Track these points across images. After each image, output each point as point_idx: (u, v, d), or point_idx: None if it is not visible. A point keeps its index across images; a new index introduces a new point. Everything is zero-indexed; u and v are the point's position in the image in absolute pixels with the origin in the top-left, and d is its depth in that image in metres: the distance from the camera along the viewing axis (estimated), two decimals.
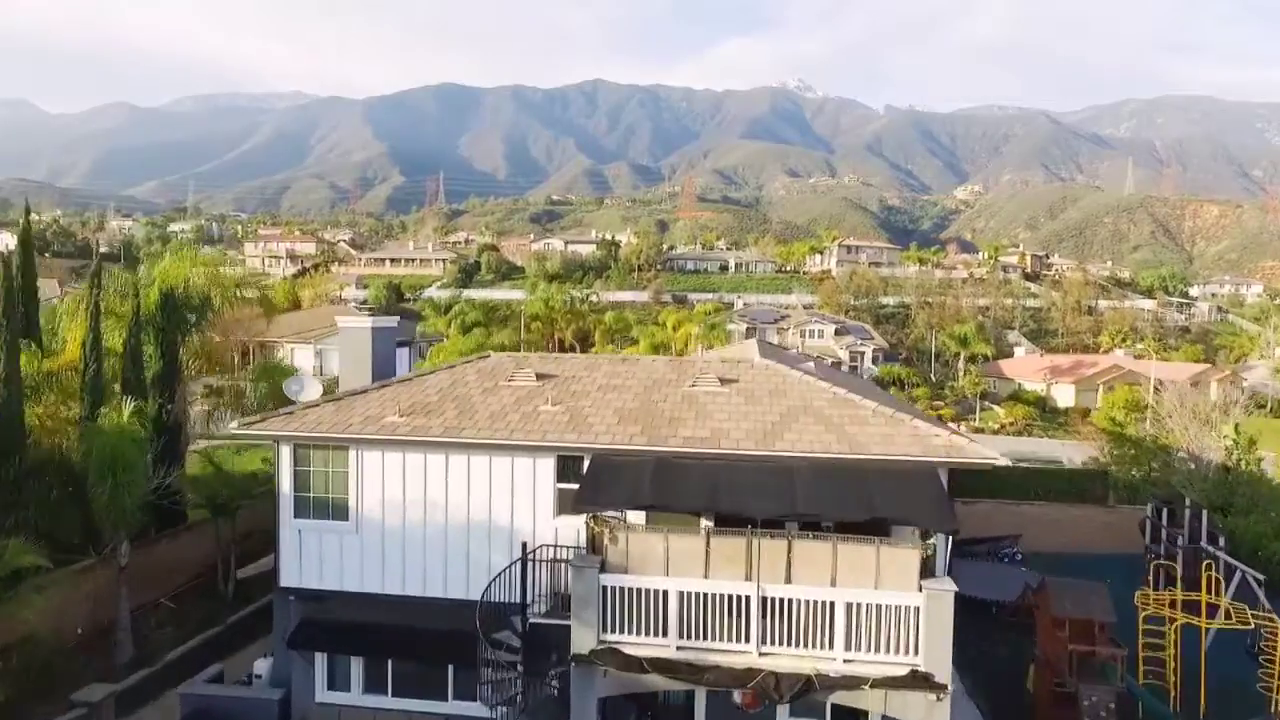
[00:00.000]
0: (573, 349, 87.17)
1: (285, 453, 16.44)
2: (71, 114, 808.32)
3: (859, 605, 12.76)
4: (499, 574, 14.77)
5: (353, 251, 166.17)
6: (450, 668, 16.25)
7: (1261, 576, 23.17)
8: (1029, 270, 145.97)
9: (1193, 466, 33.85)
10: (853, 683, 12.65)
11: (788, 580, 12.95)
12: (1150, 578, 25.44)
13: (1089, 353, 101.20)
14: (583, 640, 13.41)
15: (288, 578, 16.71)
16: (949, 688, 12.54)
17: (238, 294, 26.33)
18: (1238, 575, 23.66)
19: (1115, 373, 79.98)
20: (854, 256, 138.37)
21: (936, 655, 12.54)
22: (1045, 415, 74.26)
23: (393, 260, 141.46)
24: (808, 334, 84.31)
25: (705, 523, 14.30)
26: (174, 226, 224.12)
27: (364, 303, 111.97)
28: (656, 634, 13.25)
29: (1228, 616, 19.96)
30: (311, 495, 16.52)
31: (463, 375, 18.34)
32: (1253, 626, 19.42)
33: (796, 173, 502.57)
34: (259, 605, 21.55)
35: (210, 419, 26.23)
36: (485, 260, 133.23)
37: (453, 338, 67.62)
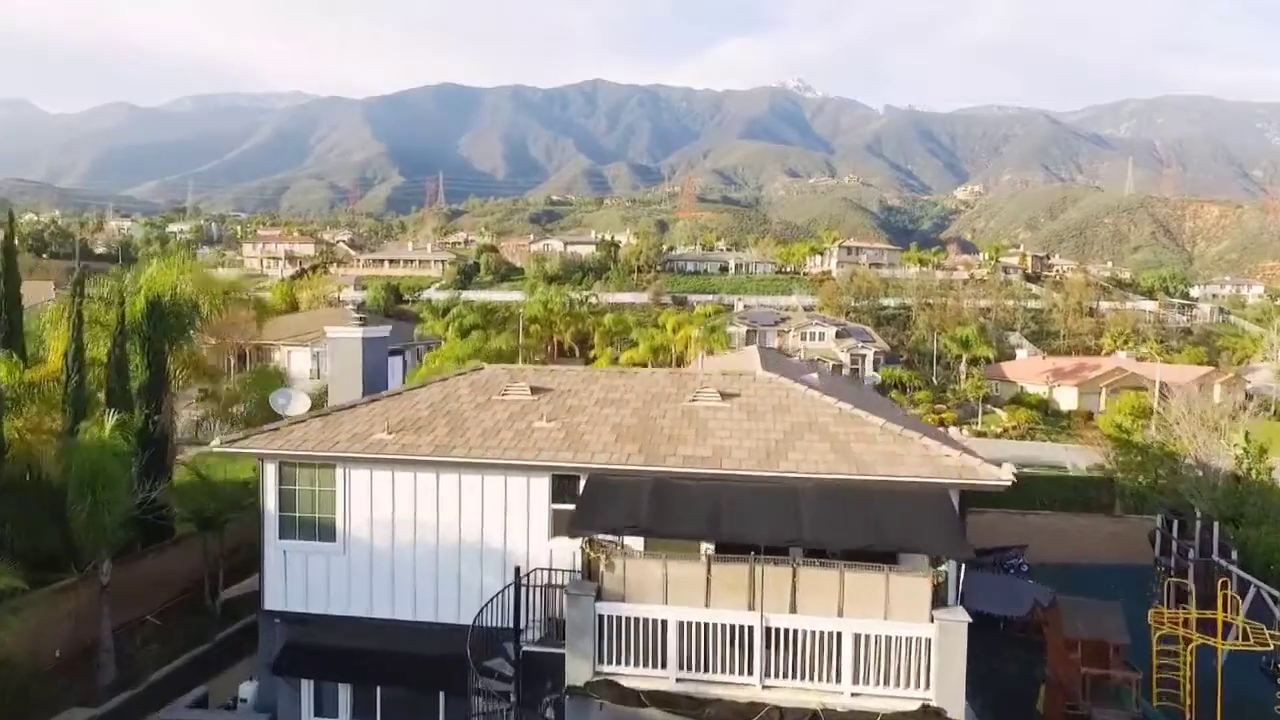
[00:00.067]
0: (572, 351, 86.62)
1: (270, 471, 15.83)
2: (71, 114, 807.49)
3: (867, 636, 12.17)
4: (491, 599, 14.19)
5: (351, 252, 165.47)
6: (441, 695, 15.63)
7: (1277, 593, 22.55)
8: (1030, 271, 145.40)
9: (1200, 474, 33.21)
10: (861, 718, 12.06)
11: (792, 609, 12.36)
12: (1164, 594, 24.91)
13: (1091, 355, 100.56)
14: (578, 671, 12.81)
15: (272, 600, 16.10)
16: None
17: (227, 300, 25.48)
18: (1252, 591, 23.06)
19: (1118, 375, 79.41)
20: (854, 257, 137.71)
21: (949, 689, 11.95)
22: (1048, 418, 73.65)
23: (391, 261, 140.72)
24: (808, 336, 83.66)
25: (706, 548, 13.69)
26: (173, 227, 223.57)
27: (361, 304, 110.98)
28: (655, 665, 12.66)
29: (1245, 637, 19.36)
30: (297, 515, 15.91)
31: (455, 389, 17.74)
32: (1272, 648, 18.81)
33: (796, 173, 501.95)
34: (247, 622, 20.95)
35: (199, 429, 25.56)
36: (484, 261, 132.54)
37: (450, 340, 66.97)
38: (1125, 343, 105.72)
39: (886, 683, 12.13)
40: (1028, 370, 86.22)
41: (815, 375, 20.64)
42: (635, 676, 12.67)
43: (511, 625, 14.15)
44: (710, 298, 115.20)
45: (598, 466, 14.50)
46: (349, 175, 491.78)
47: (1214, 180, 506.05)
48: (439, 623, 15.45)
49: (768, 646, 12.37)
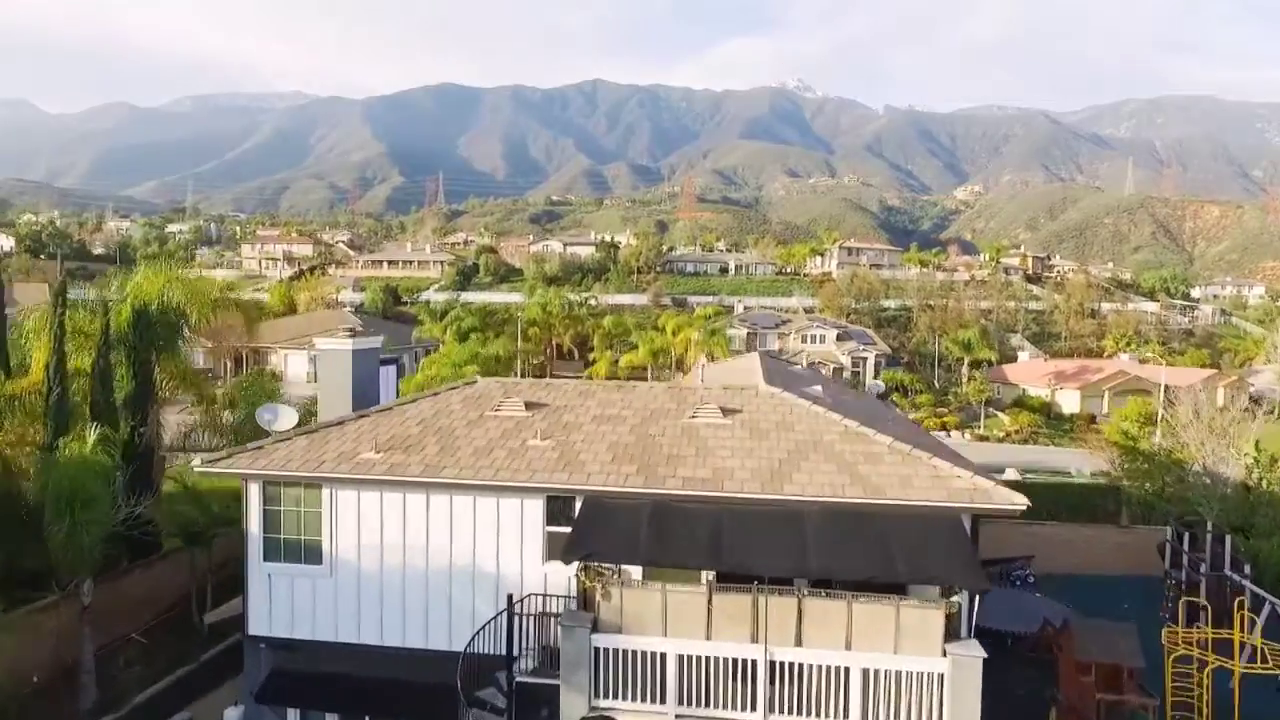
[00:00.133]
0: (571, 354, 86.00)
1: (254, 491, 15.24)
2: (70, 114, 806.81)
3: (876, 671, 11.58)
4: (483, 626, 13.60)
5: (351, 253, 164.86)
6: None
7: None
8: (1030, 272, 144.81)
9: (1208, 482, 32.60)
10: None
11: (798, 642, 11.78)
12: (1177, 611, 24.34)
13: (1093, 356, 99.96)
14: (573, 706, 12.22)
15: (257, 625, 15.51)
16: None
17: (216, 307, 24.87)
18: (1267, 608, 22.43)
19: (1121, 378, 78.84)
20: (855, 258, 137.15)
21: None
22: (1050, 422, 73.02)
23: (390, 262, 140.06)
24: (809, 339, 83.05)
25: (707, 575, 13.09)
26: (172, 227, 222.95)
27: (359, 306, 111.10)
28: (654, 700, 12.08)
29: (1263, 659, 18.76)
30: (282, 537, 15.32)
31: (446, 404, 17.14)
32: None
33: (796, 173, 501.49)
34: (233, 641, 20.29)
35: (188, 439, 24.94)
36: (483, 262, 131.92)
37: (448, 343, 66.42)
38: (1127, 344, 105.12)
39: None
40: (1030, 373, 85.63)
41: (819, 387, 20.04)
42: (633, 712, 12.09)
43: (504, 653, 13.57)
44: (710, 299, 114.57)
45: (594, 489, 13.91)
46: (349, 175, 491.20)
47: (1214, 180, 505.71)
48: (429, 650, 14.87)
49: (772, 681, 11.79)
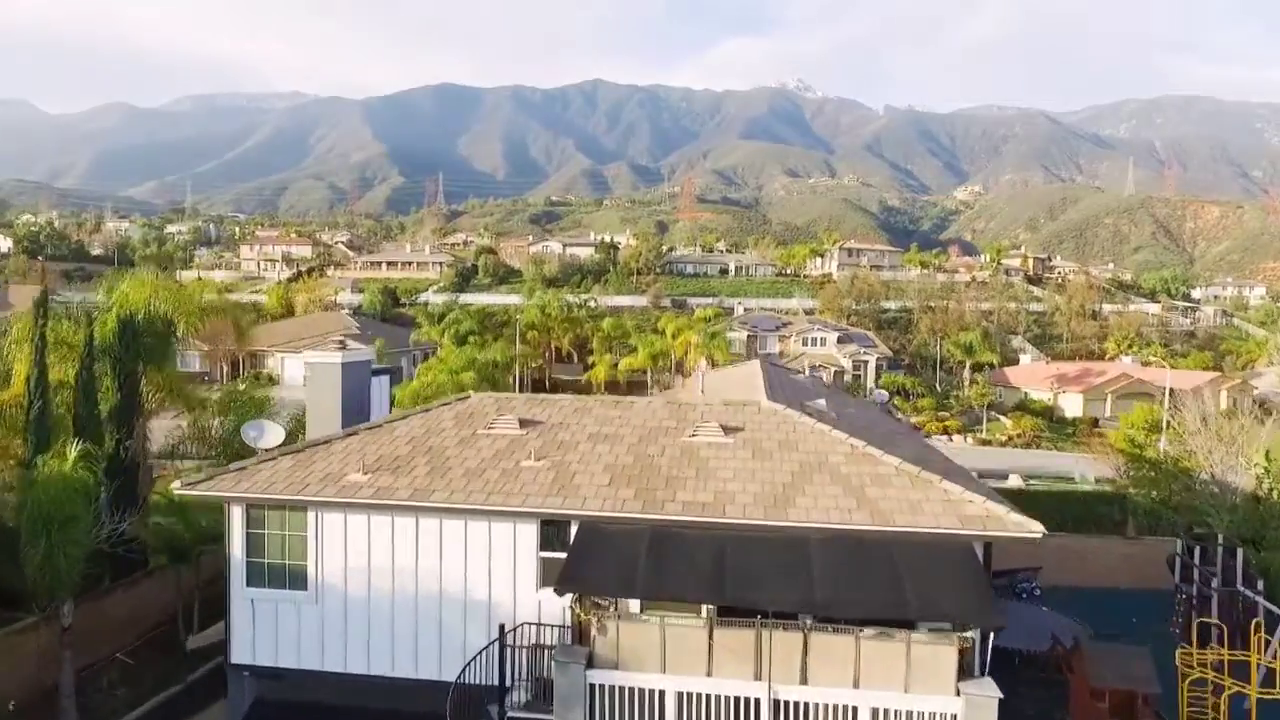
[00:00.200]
0: (570, 357, 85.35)
1: (236, 514, 14.66)
2: (70, 114, 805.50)
3: (886, 711, 11.01)
4: (474, 656, 13.03)
5: (350, 254, 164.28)
6: None
7: None
8: (1031, 273, 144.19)
9: (1216, 491, 32.00)
10: None
11: (803, 680, 11.22)
12: (1188, 626, 23.78)
13: (1095, 359, 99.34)
14: None
15: (240, 653, 14.93)
16: None
17: (204, 316, 24.29)
18: None
19: (1124, 382, 78.18)
20: (855, 260, 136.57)
21: None
22: (1053, 426, 72.40)
23: (389, 264, 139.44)
24: (810, 342, 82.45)
25: (707, 607, 12.51)
26: (171, 228, 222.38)
27: (358, 307, 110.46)
28: None
29: None
30: (266, 561, 14.74)
31: (438, 421, 16.56)
32: None
33: (796, 173, 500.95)
34: (220, 661, 19.77)
35: (175, 452, 24.37)
36: (482, 263, 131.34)
37: (446, 347, 65.78)
38: (1129, 347, 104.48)
39: None
40: (1032, 376, 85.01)
41: (823, 401, 19.46)
42: None
43: (496, 684, 13.00)
44: (710, 301, 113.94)
45: (589, 514, 13.32)
46: (348, 175, 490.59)
47: (1214, 180, 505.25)
48: (419, 679, 14.29)
49: None
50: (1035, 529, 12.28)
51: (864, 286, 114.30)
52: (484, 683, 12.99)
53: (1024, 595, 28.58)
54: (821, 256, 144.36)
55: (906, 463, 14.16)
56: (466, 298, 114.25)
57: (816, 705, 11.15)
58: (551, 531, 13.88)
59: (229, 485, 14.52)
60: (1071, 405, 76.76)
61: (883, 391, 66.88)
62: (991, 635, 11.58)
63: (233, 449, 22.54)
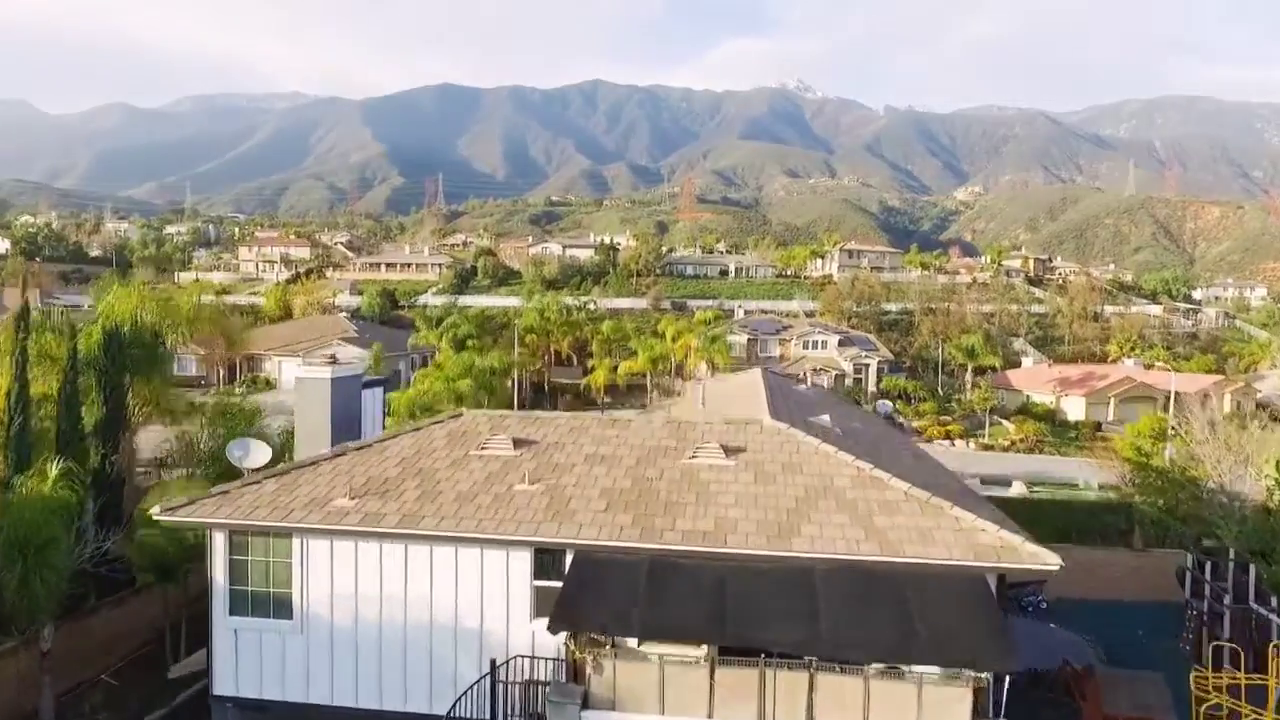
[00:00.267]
0: (569, 360, 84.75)
1: (219, 540, 14.11)
2: (70, 114, 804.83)
3: None
4: (465, 692, 12.49)
5: (349, 254, 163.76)
6: None
7: None
8: (1032, 274, 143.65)
9: (1225, 500, 31.44)
10: None
11: None
12: (1199, 642, 23.21)
13: (1097, 361, 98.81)
14: None
15: (223, 684, 14.38)
16: None
17: (194, 325, 23.75)
18: None
19: (1127, 385, 77.64)
20: (855, 261, 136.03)
21: None
22: (1055, 430, 71.86)
23: (389, 265, 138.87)
24: (811, 345, 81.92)
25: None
26: (170, 229, 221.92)
27: (356, 310, 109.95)
28: None
29: None
30: (250, 589, 14.19)
31: (429, 440, 16.00)
32: None
33: (796, 173, 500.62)
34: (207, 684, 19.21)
35: (162, 468, 23.84)
36: (482, 265, 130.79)
37: (444, 351, 65.19)
38: (1132, 349, 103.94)
39: None
40: (1034, 379, 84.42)
41: (827, 416, 18.91)
42: None
43: (488, 717, 12.46)
44: (710, 303, 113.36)
45: (584, 543, 12.77)
46: (348, 176, 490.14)
47: (1214, 181, 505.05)
48: (408, 712, 13.76)
49: None
50: (1051, 561, 11.75)
51: (865, 288, 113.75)
52: (475, 717, 12.46)
53: (1030, 609, 28.03)
54: (822, 258, 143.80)
55: (916, 488, 13.61)
56: (465, 300, 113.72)
57: None
58: (546, 560, 13.33)
59: (210, 511, 13.96)
60: (1074, 409, 76.20)
61: (886, 402, 66.40)
62: (1007, 678, 11.03)
63: (221, 463, 21.99)
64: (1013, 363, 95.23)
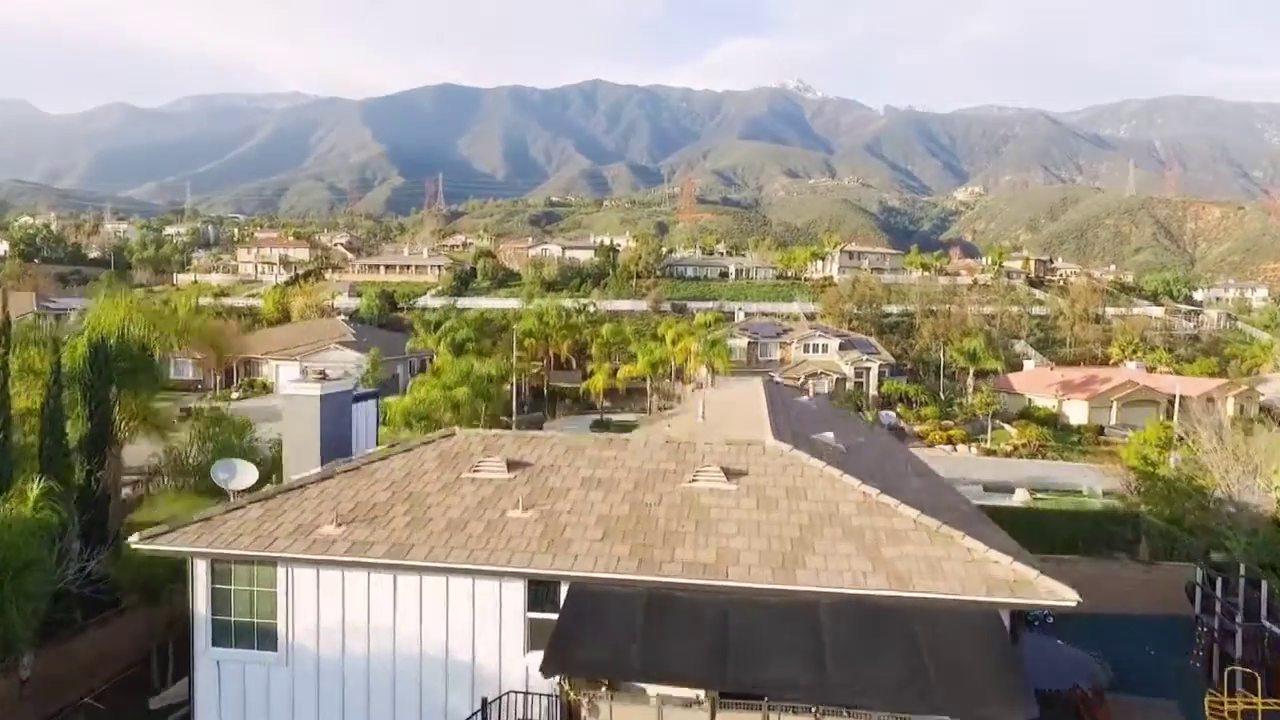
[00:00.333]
0: (569, 363, 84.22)
1: (200, 569, 13.58)
2: (70, 114, 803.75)
3: None
4: None
5: (349, 255, 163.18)
6: None
7: None
8: (1033, 275, 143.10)
9: (1233, 510, 30.92)
10: None
11: None
12: (1209, 659, 22.72)
13: (1099, 363, 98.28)
14: None
15: (205, 718, 13.84)
16: None
17: (181, 338, 23.23)
18: None
19: (1130, 389, 77.08)
20: (856, 262, 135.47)
21: None
22: (1058, 434, 71.32)
23: (388, 266, 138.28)
24: (811, 349, 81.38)
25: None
26: (169, 230, 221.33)
27: (355, 312, 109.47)
28: None
29: None
30: (233, 619, 13.66)
31: (420, 462, 15.47)
32: None
33: (796, 173, 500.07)
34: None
35: (150, 484, 23.33)
36: (481, 266, 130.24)
37: (443, 355, 64.70)
38: (1134, 352, 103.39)
39: None
40: (1036, 382, 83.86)
41: (831, 434, 18.39)
42: None
43: None
44: (710, 305, 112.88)
45: (580, 575, 12.24)
46: (348, 176, 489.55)
47: (1214, 181, 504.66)
48: None
49: None
50: (1069, 598, 11.22)
51: (865, 290, 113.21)
52: None
53: (1036, 623, 27.52)
54: (822, 259, 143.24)
55: (924, 514, 13.08)
56: (465, 302, 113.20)
57: None
58: (540, 591, 12.80)
59: (191, 539, 13.43)
60: (1076, 413, 75.66)
61: (889, 413, 65.88)
62: None
63: (208, 480, 21.46)
64: (1014, 365, 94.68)
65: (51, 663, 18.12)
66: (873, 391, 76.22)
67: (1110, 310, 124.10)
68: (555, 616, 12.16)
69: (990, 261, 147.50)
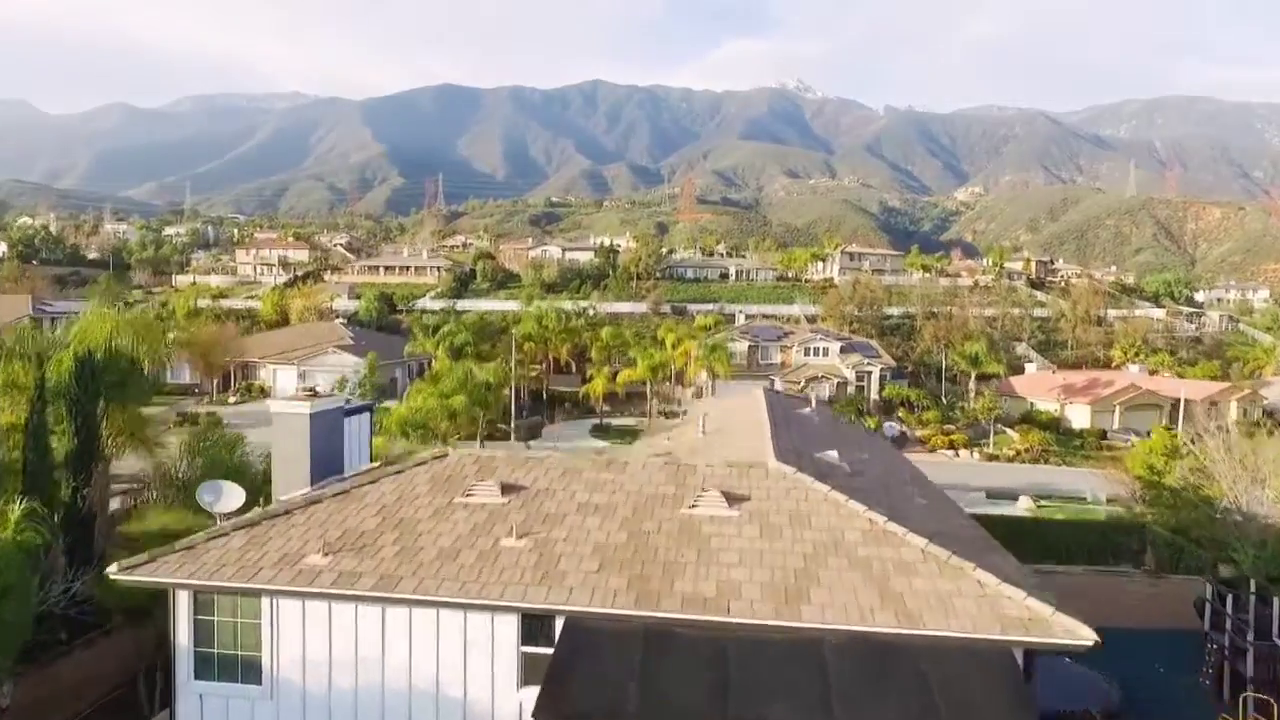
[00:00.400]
0: (568, 367, 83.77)
1: (182, 599, 13.10)
2: (70, 114, 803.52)
3: None
4: None
5: (349, 256, 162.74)
6: None
7: None
8: (1034, 277, 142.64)
9: (1240, 520, 30.44)
10: None
11: None
12: (1219, 677, 22.28)
13: (1101, 366, 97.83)
14: None
15: None
16: None
17: (169, 350, 22.74)
18: None
19: (1133, 393, 76.69)
20: (856, 264, 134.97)
21: None
22: (1060, 438, 70.87)
23: (387, 268, 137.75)
24: (812, 352, 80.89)
25: None
26: (169, 230, 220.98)
27: (353, 314, 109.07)
28: None
29: None
30: (216, 651, 13.17)
31: (411, 485, 14.98)
32: None
33: (796, 174, 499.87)
34: None
35: (139, 498, 22.84)
36: (481, 268, 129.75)
37: (441, 360, 64.24)
38: (1136, 354, 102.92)
39: None
40: (1038, 386, 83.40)
41: (835, 452, 17.91)
42: None
43: None
44: (710, 307, 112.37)
45: (576, 610, 11.76)
46: (348, 176, 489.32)
47: (1214, 181, 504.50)
48: None
49: None
50: (1086, 637, 10.74)
51: (866, 292, 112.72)
52: None
53: None
54: (823, 261, 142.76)
55: (933, 544, 12.60)
56: (464, 304, 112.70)
57: None
58: (535, 625, 12.32)
59: (172, 569, 12.95)
60: (1079, 417, 75.25)
61: (893, 424, 65.42)
62: None
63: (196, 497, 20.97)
64: (1016, 368, 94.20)
65: (35, 687, 17.63)
66: (874, 396, 75.70)
67: (1112, 312, 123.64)
68: (550, 651, 11.70)
69: (991, 263, 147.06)
